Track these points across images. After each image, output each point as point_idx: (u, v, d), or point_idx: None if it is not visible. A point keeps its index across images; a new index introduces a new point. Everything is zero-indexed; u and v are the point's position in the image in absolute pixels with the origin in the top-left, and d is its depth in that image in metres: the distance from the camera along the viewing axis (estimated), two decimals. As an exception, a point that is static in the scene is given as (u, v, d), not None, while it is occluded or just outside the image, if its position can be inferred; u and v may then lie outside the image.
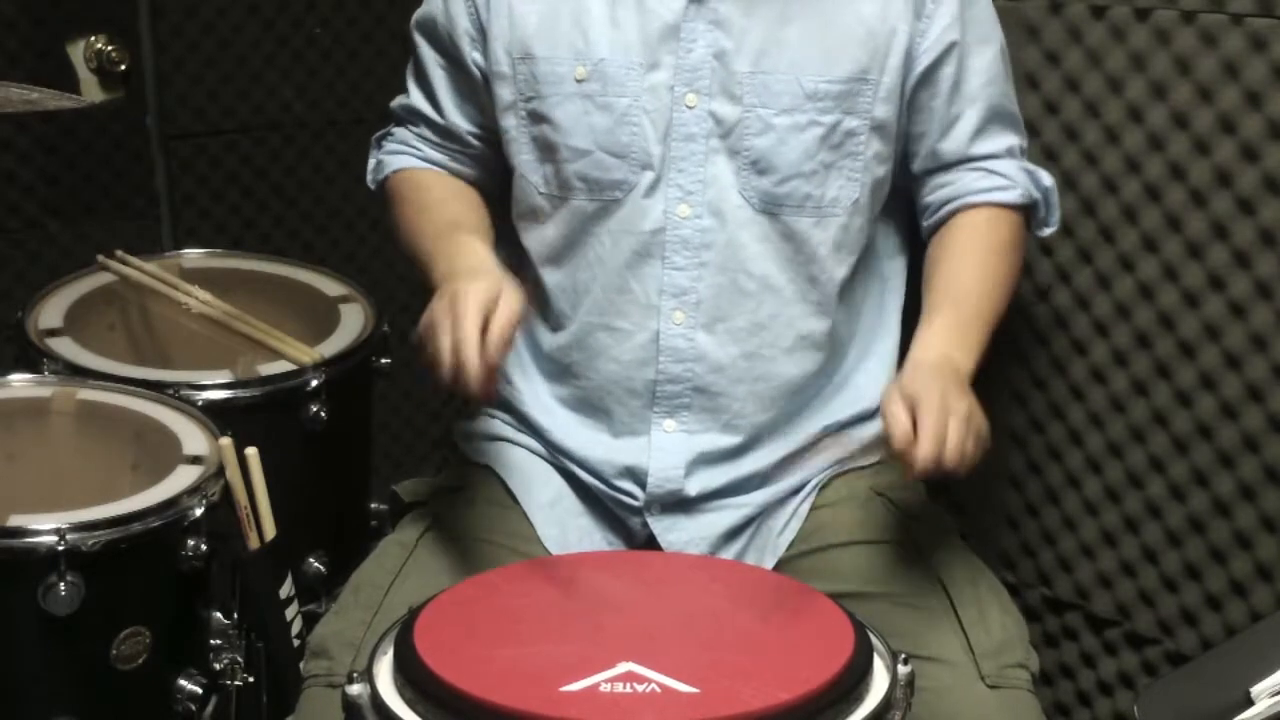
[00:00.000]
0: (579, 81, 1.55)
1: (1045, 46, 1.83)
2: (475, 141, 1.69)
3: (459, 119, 1.68)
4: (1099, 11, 1.77)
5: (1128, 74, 1.76)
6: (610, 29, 1.54)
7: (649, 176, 1.55)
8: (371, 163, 1.77)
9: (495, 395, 1.42)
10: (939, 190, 1.64)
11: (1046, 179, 1.66)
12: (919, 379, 1.42)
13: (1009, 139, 1.66)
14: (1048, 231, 1.69)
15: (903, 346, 1.62)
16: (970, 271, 1.59)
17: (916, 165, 1.65)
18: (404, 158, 1.72)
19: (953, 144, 1.62)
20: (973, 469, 1.41)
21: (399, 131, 1.75)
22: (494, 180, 1.72)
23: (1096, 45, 1.78)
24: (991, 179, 1.63)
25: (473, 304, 1.38)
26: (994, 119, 1.64)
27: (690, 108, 1.54)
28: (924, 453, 1.35)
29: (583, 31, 1.55)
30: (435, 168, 1.71)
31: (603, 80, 1.54)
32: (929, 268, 1.62)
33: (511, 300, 1.41)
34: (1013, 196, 1.63)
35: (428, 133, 1.71)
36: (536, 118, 1.58)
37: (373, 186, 1.77)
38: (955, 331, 1.52)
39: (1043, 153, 1.83)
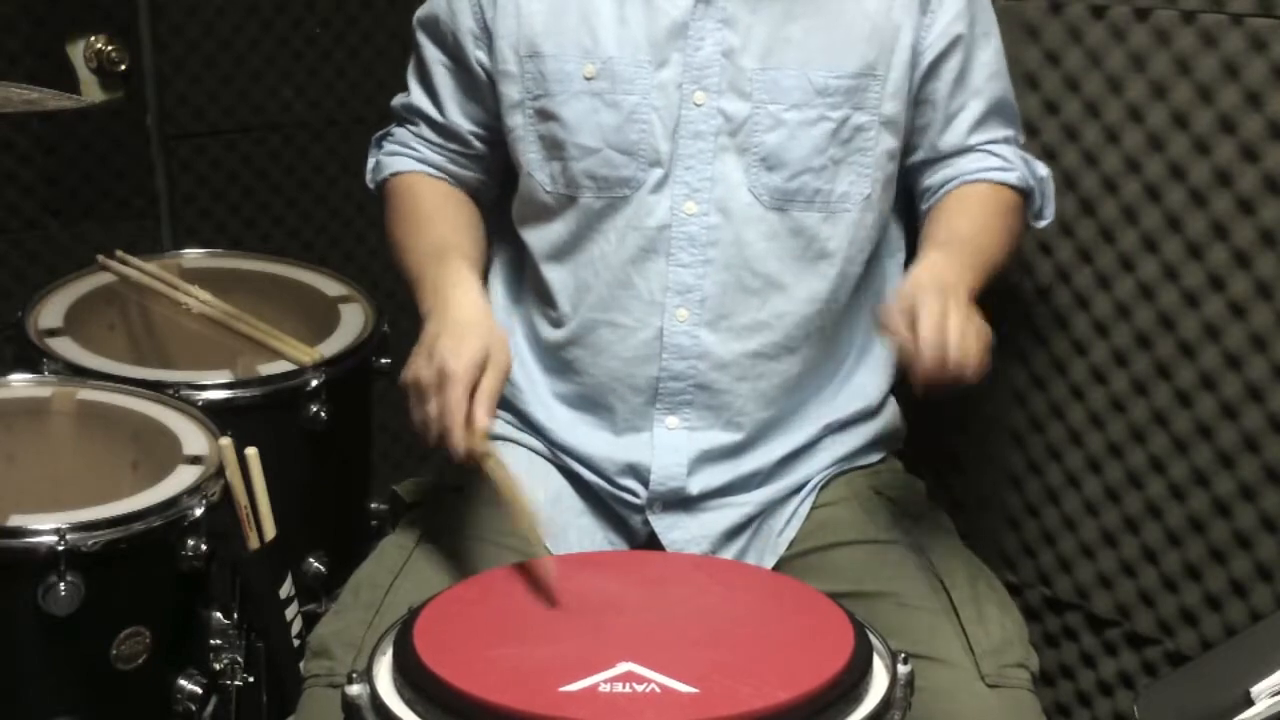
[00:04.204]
0: (587, 79, 1.55)
1: (1045, 46, 1.83)
2: (476, 142, 1.69)
3: (460, 118, 1.68)
4: (1099, 11, 1.77)
5: (1128, 74, 1.76)
6: (618, 27, 1.54)
7: (657, 173, 1.55)
8: (370, 162, 1.77)
9: (482, 457, 1.42)
10: (938, 173, 1.65)
11: (1042, 169, 1.67)
12: (916, 290, 1.40)
13: (1007, 130, 1.67)
14: (1042, 224, 1.70)
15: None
16: (966, 223, 1.58)
17: (917, 157, 1.65)
18: (403, 160, 1.72)
19: (953, 136, 1.63)
20: (980, 375, 1.38)
21: (399, 132, 1.75)
22: (493, 181, 1.72)
23: (1096, 45, 1.78)
24: (991, 159, 1.64)
25: (460, 370, 1.39)
26: (994, 111, 1.65)
27: (698, 105, 1.54)
28: (925, 339, 1.34)
29: (590, 30, 1.55)
30: (433, 171, 1.71)
31: (611, 78, 1.54)
32: (925, 227, 1.61)
33: (498, 364, 1.42)
34: (1012, 178, 1.63)
35: (428, 132, 1.71)
36: (544, 116, 1.58)
37: (371, 187, 1.77)
38: (953, 261, 1.50)
39: (1043, 153, 1.83)
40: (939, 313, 1.37)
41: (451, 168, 1.71)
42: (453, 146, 1.70)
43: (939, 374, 1.36)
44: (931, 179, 1.65)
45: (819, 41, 1.54)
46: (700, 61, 1.54)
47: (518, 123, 1.61)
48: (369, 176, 1.77)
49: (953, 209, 1.61)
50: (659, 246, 1.56)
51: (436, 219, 1.66)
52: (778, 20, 1.54)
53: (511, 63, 1.59)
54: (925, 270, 1.48)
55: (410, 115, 1.73)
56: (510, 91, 1.60)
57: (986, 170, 1.63)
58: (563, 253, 1.61)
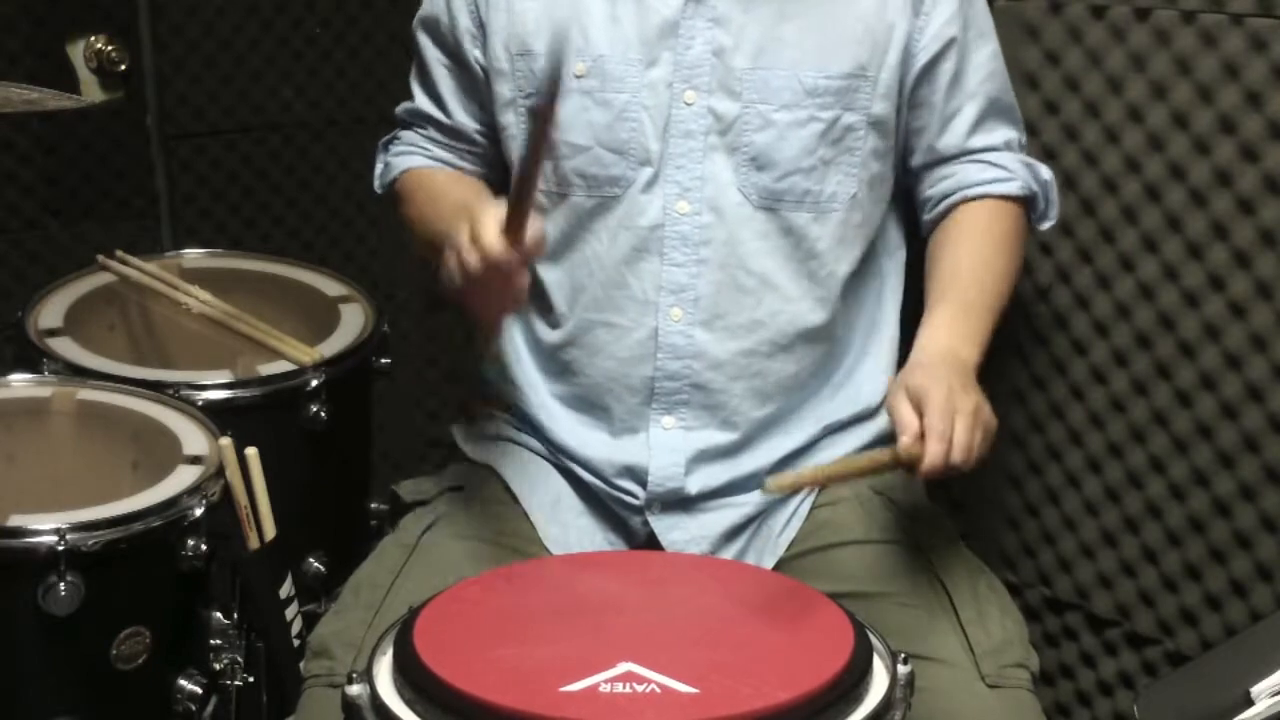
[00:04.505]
0: (578, 78, 1.55)
1: (1045, 46, 1.83)
2: (482, 139, 1.69)
3: (465, 118, 1.68)
4: (1099, 11, 1.77)
5: (1128, 74, 1.76)
6: (609, 26, 1.54)
7: (647, 172, 1.55)
8: (378, 167, 1.77)
9: (521, 300, 1.38)
10: (939, 183, 1.65)
11: (1045, 172, 1.67)
12: (924, 374, 1.42)
13: (1007, 132, 1.66)
14: (1046, 226, 1.69)
15: (902, 344, 1.62)
16: (972, 262, 1.59)
17: (916, 160, 1.65)
18: (412, 158, 1.72)
19: (951, 138, 1.63)
20: (980, 464, 1.40)
21: (406, 135, 1.75)
22: (497, 179, 1.72)
23: (1096, 45, 1.78)
24: (992, 170, 1.63)
25: (489, 211, 1.36)
26: (992, 113, 1.64)
27: (689, 104, 1.54)
28: (932, 454, 1.35)
29: (582, 28, 1.55)
30: (444, 166, 1.71)
31: (601, 76, 1.54)
32: (931, 260, 1.62)
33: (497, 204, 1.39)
34: (1013, 188, 1.63)
35: (435, 133, 1.71)
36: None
37: (380, 190, 1.77)
38: (960, 322, 1.52)
39: (1043, 153, 1.83)
40: (945, 412, 1.37)
41: (461, 164, 1.71)
42: (461, 145, 1.71)
43: (938, 474, 1.37)
44: (933, 189, 1.65)
45: (812, 42, 1.54)
46: (690, 60, 1.54)
47: (510, 120, 1.61)
48: (377, 181, 1.77)
49: (957, 242, 1.61)
50: (651, 246, 1.56)
51: (456, 187, 1.66)
52: (771, 20, 1.54)
53: (503, 60, 1.59)
54: (931, 342, 1.49)
55: (416, 120, 1.73)
56: (502, 89, 1.60)
57: (987, 183, 1.63)
58: (556, 253, 1.61)
